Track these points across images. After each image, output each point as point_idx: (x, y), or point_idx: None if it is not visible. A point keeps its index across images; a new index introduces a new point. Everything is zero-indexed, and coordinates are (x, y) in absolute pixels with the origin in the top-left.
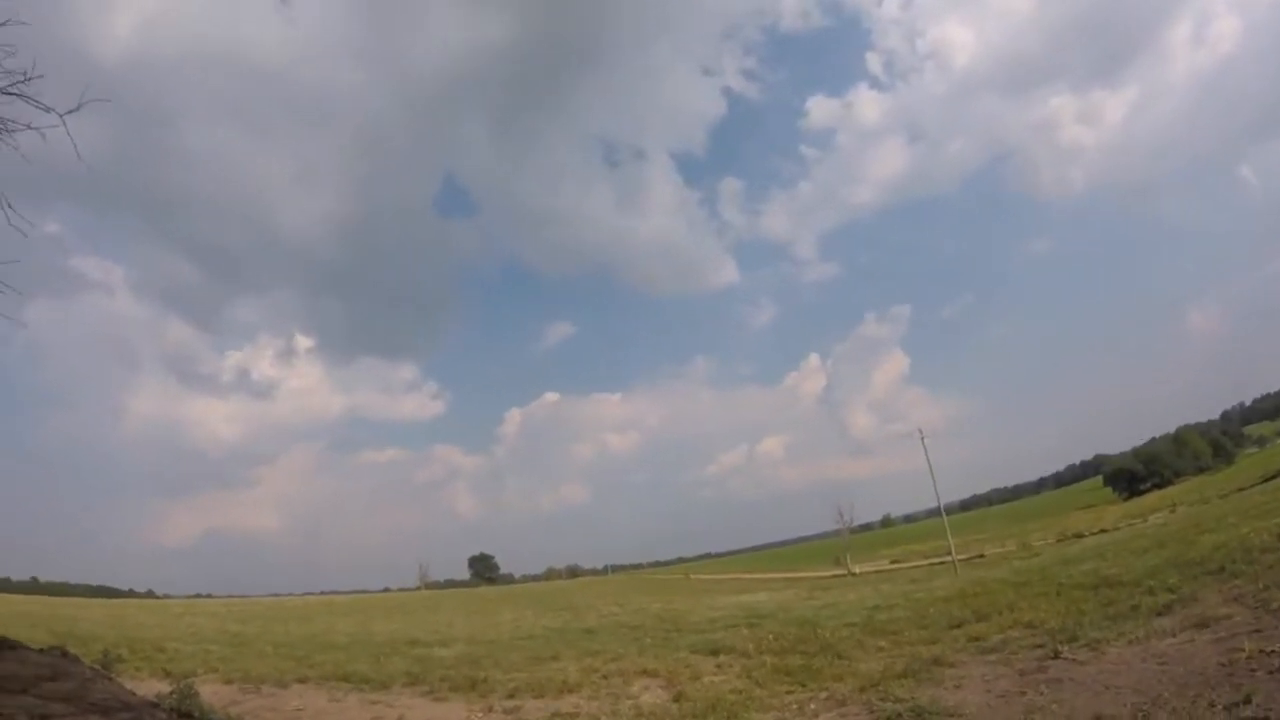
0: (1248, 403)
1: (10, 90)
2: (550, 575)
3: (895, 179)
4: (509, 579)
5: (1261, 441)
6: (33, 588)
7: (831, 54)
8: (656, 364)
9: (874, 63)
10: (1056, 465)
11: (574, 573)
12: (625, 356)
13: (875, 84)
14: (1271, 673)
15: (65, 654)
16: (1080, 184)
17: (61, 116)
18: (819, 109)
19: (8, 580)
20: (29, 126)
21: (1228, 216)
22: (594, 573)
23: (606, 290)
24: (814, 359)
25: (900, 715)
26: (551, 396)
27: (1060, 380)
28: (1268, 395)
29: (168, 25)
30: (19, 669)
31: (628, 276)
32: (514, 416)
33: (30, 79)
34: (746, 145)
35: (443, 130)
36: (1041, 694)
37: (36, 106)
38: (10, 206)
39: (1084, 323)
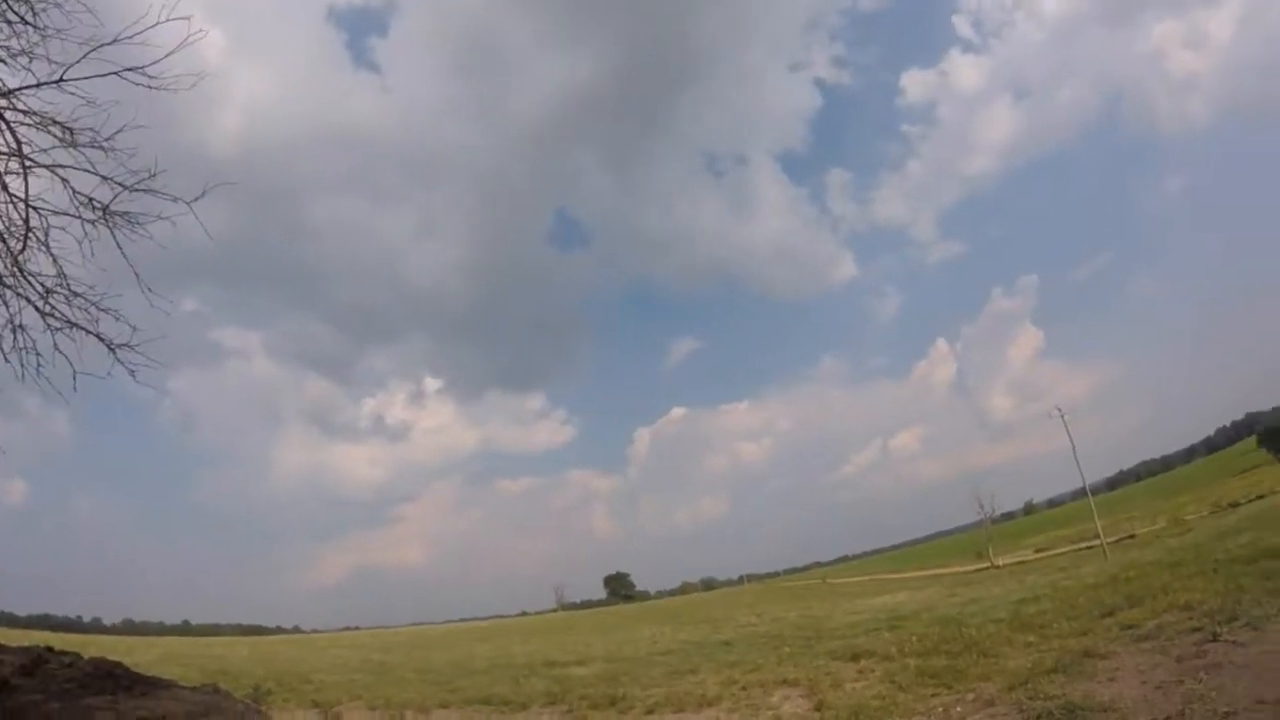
0: None
1: (138, 187)
2: (685, 589)
3: (1007, 142)
4: (645, 596)
5: None
6: (184, 630)
7: (917, 25)
8: (783, 368)
9: (962, 25)
10: (1206, 430)
11: (709, 585)
12: (751, 364)
13: (968, 47)
14: None
15: (217, 690)
16: (1201, 113)
17: (189, 205)
18: (915, 83)
19: (161, 624)
20: (159, 217)
21: None
22: (729, 584)
23: (726, 300)
24: (942, 345)
25: (1051, 713)
26: (678, 411)
27: (1205, 334)
28: None
29: (273, 113)
30: (173, 706)
31: (746, 283)
32: (643, 436)
33: (155, 174)
34: (847, 133)
35: (551, 167)
36: (1200, 681)
37: (164, 198)
38: (150, 290)
39: (1226, 267)
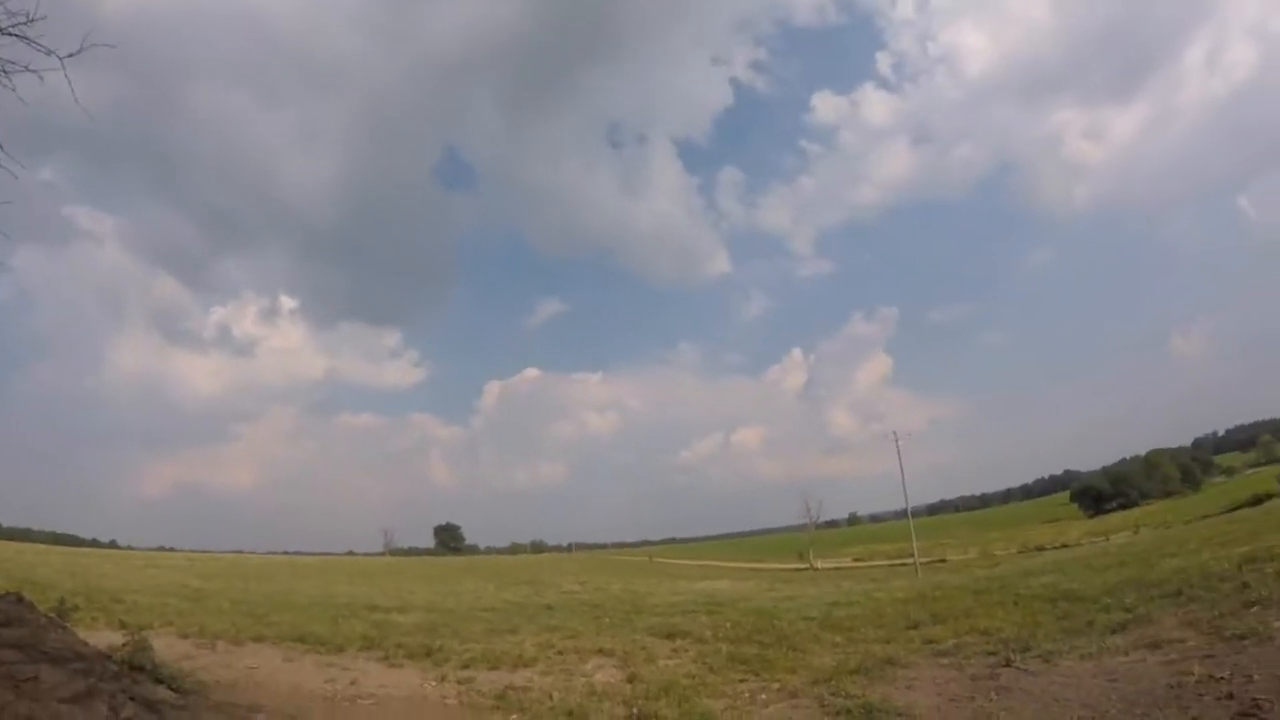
0: (1221, 433)
1: (11, 31)
2: (515, 550)
3: (898, 180)
4: (474, 550)
5: (1230, 472)
6: None
7: (842, 52)
8: (643, 348)
9: (884, 63)
10: (1026, 478)
11: (538, 548)
12: (613, 338)
13: (884, 84)
14: (1219, 699)
15: (20, 600)
16: (1083, 200)
17: (62, 60)
18: (825, 105)
19: None
20: (28, 69)
21: (1223, 246)
22: (558, 550)
23: (600, 271)
24: (797, 354)
25: (850, 711)
26: (533, 372)
27: (1040, 393)
28: (1241, 427)
29: None
30: None
31: (623, 259)
32: (493, 389)
33: (33, 20)
34: (750, 137)
35: (449, 104)
36: (991, 700)
37: (36, 49)
38: (2, 148)
39: (1071, 338)
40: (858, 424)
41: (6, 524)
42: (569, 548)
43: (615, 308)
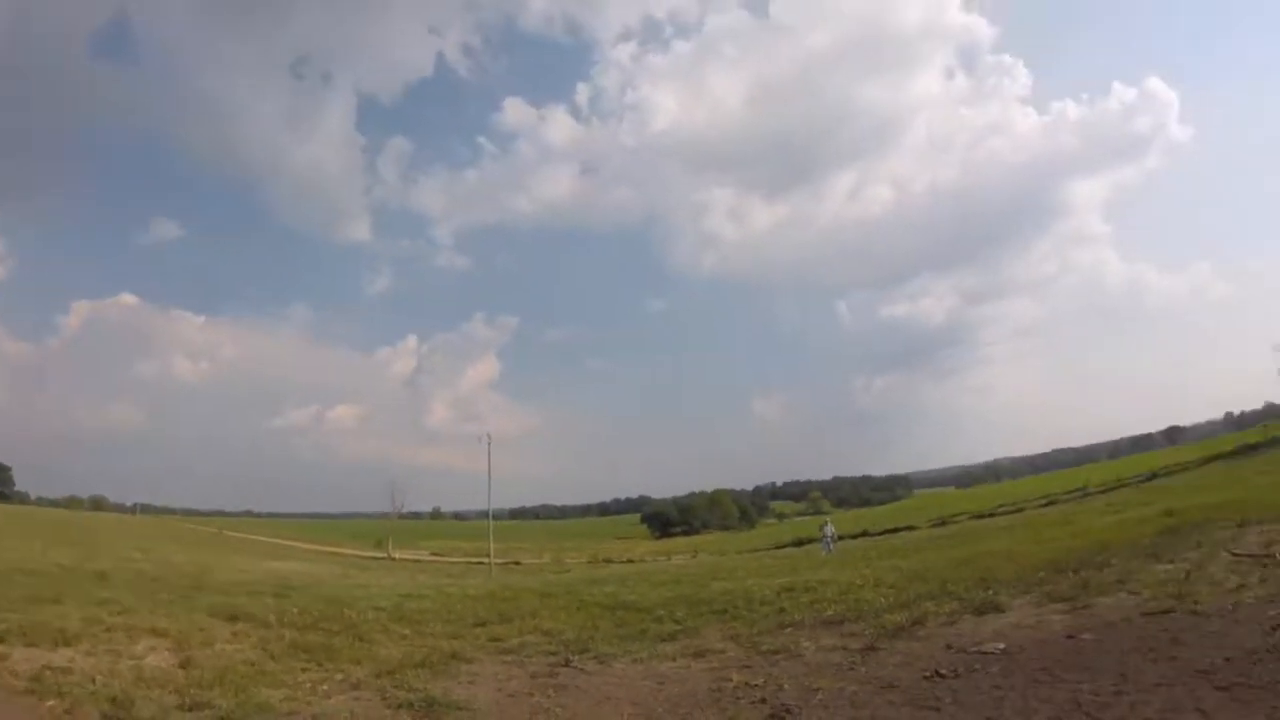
0: (779, 483)
1: None
2: (72, 504)
3: (556, 201)
4: (23, 498)
5: (781, 516)
6: None
7: (551, 68)
8: (257, 299)
9: (583, 93)
10: (605, 497)
11: (98, 504)
12: (227, 280)
13: (575, 111)
14: (753, 703)
15: None
16: (710, 267)
17: None
18: (515, 111)
19: None
20: None
21: (816, 337)
22: (120, 509)
23: (233, 202)
24: (413, 340)
25: (411, 704)
26: (129, 299)
27: (632, 424)
28: (795, 481)
29: None
30: None
31: (261, 193)
32: (81, 309)
33: None
34: (434, 115)
35: None
36: (548, 697)
37: None
38: None
39: (669, 381)
40: (456, 420)
41: None
42: (133, 508)
43: (238, 247)
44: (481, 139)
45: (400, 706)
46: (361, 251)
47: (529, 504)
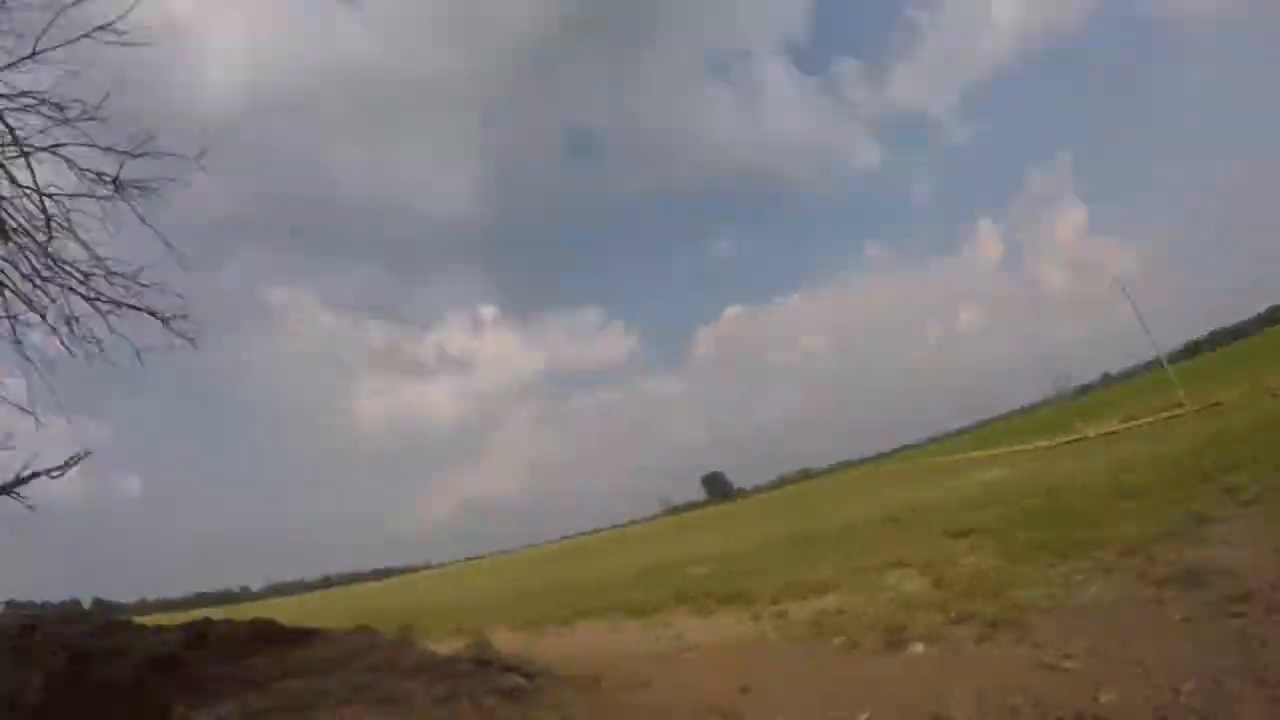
0: None
1: (141, 152)
2: (783, 482)
3: (1020, 17)
4: (744, 493)
5: None
6: (326, 583)
7: None
8: (826, 258)
9: None
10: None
11: (805, 475)
12: (792, 257)
13: None
14: None
15: (369, 630)
16: None
17: (196, 160)
18: None
19: (302, 581)
20: (170, 180)
21: None
22: (823, 473)
23: (754, 196)
24: (986, 225)
25: (1173, 578)
26: (734, 310)
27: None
28: None
29: (270, 62)
30: (329, 651)
31: (769, 178)
32: (704, 335)
33: (154, 137)
34: (853, 19)
35: (551, 84)
36: None
37: (169, 159)
38: (184, 254)
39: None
40: (1072, 282)
41: (334, 572)
42: (834, 468)
43: (782, 228)
44: (910, 11)
45: (1161, 583)
46: (882, 171)
47: (1197, 334)
